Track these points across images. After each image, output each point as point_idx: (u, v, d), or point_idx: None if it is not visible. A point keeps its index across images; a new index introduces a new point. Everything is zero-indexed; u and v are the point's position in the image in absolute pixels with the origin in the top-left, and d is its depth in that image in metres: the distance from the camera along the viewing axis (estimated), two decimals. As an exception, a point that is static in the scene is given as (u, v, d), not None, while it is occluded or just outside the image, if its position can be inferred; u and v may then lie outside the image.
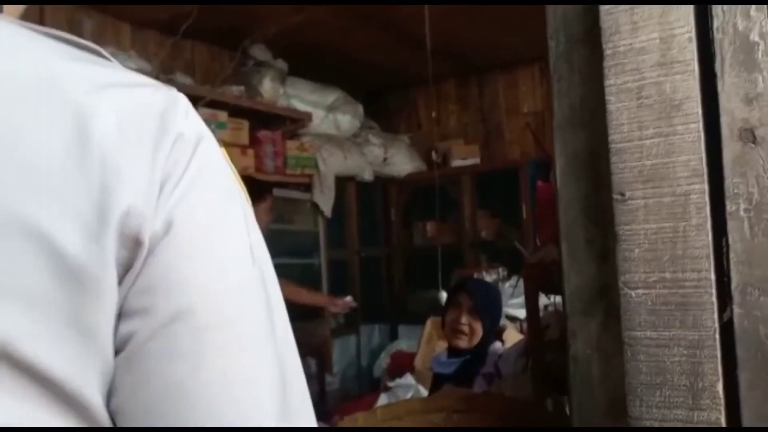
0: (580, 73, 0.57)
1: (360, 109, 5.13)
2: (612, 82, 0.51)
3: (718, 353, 0.49)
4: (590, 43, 0.55)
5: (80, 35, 0.51)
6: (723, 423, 0.50)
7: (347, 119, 4.97)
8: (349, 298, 3.56)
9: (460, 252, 5.01)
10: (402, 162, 5.27)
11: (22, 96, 0.43)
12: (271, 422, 0.45)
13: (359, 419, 1.07)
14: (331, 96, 4.88)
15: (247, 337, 0.46)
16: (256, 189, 3.38)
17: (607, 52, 0.52)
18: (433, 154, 4.18)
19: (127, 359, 0.42)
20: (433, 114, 4.79)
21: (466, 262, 4.94)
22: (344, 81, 4.98)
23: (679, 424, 0.50)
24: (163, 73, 3.91)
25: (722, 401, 0.50)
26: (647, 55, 0.50)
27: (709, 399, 0.49)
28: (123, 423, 0.42)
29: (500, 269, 3.85)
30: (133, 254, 0.42)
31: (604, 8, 0.52)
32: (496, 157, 5.26)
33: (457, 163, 5.16)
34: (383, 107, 5.75)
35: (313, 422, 0.49)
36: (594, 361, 0.56)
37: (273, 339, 0.47)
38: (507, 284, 3.61)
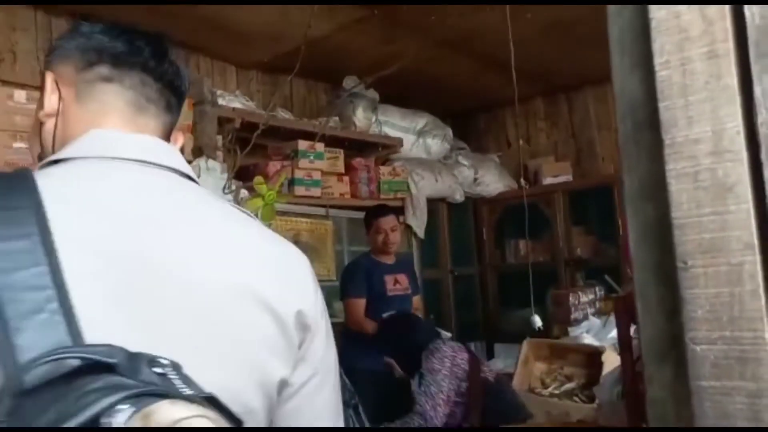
0: (645, 153, 0.65)
1: (449, 132, 5.24)
2: (672, 167, 0.59)
3: (777, 402, 0.56)
4: (653, 128, 0.63)
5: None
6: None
7: (437, 142, 5.09)
8: None
9: (554, 270, 4.98)
10: (492, 181, 5.32)
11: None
12: None
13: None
14: (421, 121, 5.02)
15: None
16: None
17: (667, 141, 0.60)
18: (522, 181, 4.21)
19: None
20: (521, 142, 4.82)
21: (561, 280, 4.90)
22: (433, 105, 5.11)
23: (742, 463, 0.57)
24: (264, 108, 4.18)
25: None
26: (702, 145, 0.58)
27: (768, 441, 0.56)
28: None
29: (597, 288, 3.81)
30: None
31: (662, 104, 0.61)
32: (588, 173, 5.21)
33: (548, 180, 5.15)
34: (472, 128, 5.83)
35: None
36: (668, 403, 0.64)
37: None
38: (596, 314, 3.58)
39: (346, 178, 4.38)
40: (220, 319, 0.70)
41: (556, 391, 2.85)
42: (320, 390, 0.79)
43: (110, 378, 0.54)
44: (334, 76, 4.58)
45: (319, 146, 4.13)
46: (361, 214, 4.46)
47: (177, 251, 0.71)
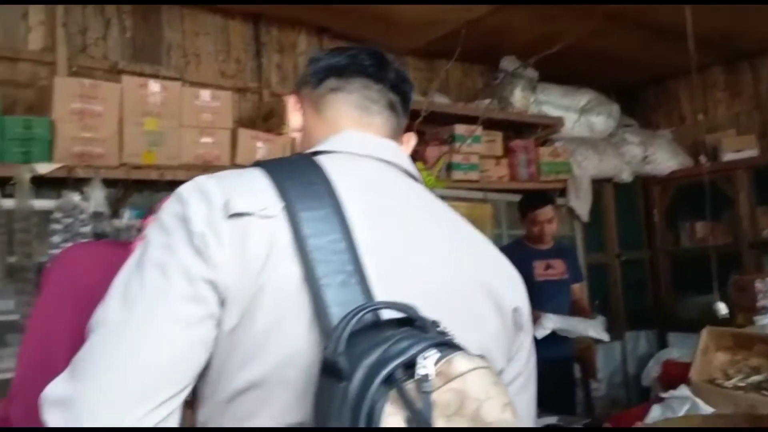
0: None
1: (615, 108, 4.96)
2: None
3: None
4: None
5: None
6: None
7: (601, 120, 4.84)
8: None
9: (737, 254, 4.55)
10: (664, 159, 4.96)
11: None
12: None
13: None
14: (584, 98, 4.81)
15: None
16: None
17: None
18: (702, 158, 3.88)
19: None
20: (699, 116, 4.43)
21: (745, 265, 4.48)
22: (596, 81, 4.87)
23: None
24: (422, 94, 4.24)
25: None
26: None
27: None
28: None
29: (788, 273, 3.43)
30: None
31: None
32: (777, 147, 4.69)
33: (729, 156, 4.70)
34: (640, 103, 5.48)
35: None
36: None
37: None
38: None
39: (505, 161, 4.32)
40: (459, 308, 0.78)
41: (741, 384, 2.62)
42: (522, 392, 0.84)
43: (411, 330, 0.64)
44: (491, 57, 4.52)
45: (477, 129, 4.11)
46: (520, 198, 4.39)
47: (425, 246, 0.80)
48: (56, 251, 2.71)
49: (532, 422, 0.87)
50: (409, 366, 0.58)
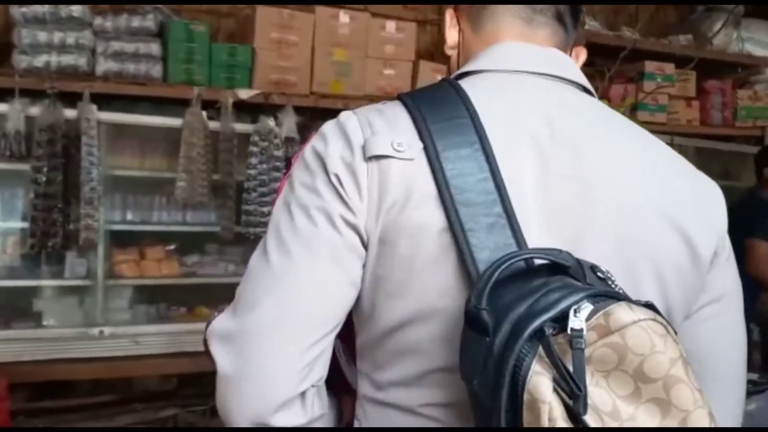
0: None
1: (835, 46, 4.35)
2: None
3: None
4: None
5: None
6: None
7: (815, 60, 4.27)
8: None
9: None
10: None
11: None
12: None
13: None
14: (796, 35, 4.26)
15: None
16: None
17: None
18: None
19: None
20: None
21: None
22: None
23: None
24: (608, 28, 3.98)
25: None
26: None
27: None
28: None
29: None
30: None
31: None
32: None
33: None
34: None
35: None
36: None
37: None
38: None
39: (696, 103, 3.98)
40: (638, 239, 0.70)
41: None
42: (715, 316, 0.76)
43: (566, 279, 0.58)
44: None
45: (668, 67, 3.80)
46: (711, 143, 4.04)
47: (597, 168, 0.71)
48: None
49: (734, 348, 0.78)
50: (561, 320, 0.53)
